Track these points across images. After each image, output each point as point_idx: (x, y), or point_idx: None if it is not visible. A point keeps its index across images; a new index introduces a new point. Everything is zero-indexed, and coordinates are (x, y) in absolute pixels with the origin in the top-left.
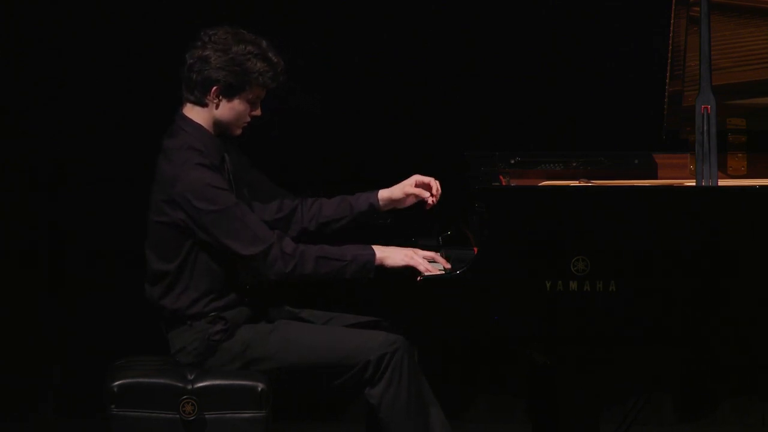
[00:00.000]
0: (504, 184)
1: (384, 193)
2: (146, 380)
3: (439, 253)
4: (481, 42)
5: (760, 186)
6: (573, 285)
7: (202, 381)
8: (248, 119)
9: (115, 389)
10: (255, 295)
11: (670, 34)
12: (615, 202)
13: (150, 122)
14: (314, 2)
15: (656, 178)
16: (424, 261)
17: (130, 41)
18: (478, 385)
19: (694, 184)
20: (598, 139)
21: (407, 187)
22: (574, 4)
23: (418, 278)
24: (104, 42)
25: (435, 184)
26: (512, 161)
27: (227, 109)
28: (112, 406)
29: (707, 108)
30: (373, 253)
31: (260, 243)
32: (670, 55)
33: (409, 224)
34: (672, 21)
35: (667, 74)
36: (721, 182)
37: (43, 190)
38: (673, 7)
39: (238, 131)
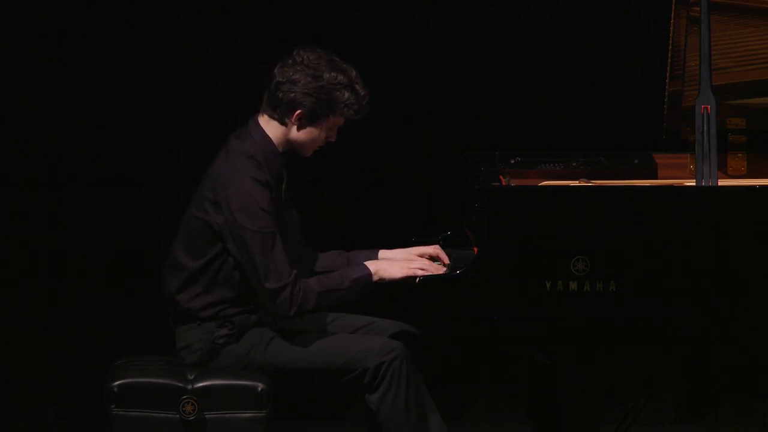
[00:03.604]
0: (504, 184)
1: (386, 254)
2: (146, 380)
3: (438, 246)
4: (482, 42)
5: (760, 186)
6: (573, 285)
7: (202, 381)
8: (322, 144)
9: (115, 389)
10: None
11: (670, 34)
12: (615, 202)
13: (150, 123)
14: (315, 1)
15: (656, 178)
16: (422, 267)
17: (130, 41)
18: (478, 385)
19: (694, 184)
20: (598, 139)
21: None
22: (574, 3)
23: (417, 279)
24: (104, 42)
25: (439, 255)
26: (512, 161)
27: (305, 133)
28: (112, 406)
29: (707, 108)
30: (369, 273)
31: (276, 280)
32: (670, 55)
33: (409, 224)
34: (672, 21)
35: (667, 74)
36: (721, 182)
37: (43, 190)
38: (673, 7)
39: (309, 153)
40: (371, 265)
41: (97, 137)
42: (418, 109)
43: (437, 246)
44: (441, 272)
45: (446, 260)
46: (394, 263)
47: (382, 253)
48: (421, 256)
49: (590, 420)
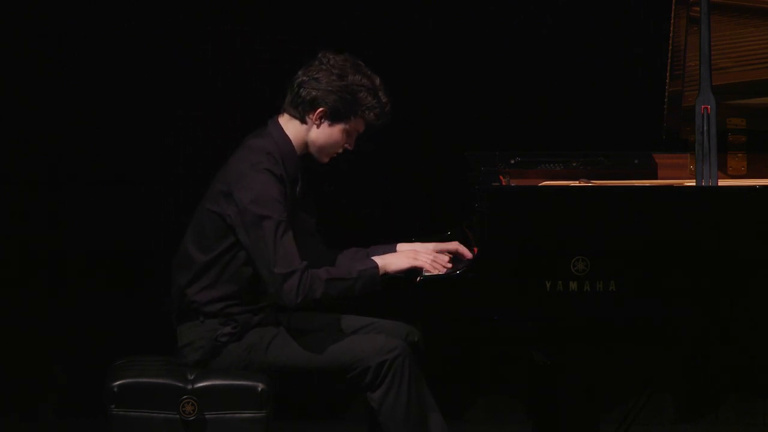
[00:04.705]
0: (504, 184)
1: (405, 248)
2: (146, 380)
3: (458, 242)
4: (482, 42)
5: (760, 186)
6: (573, 285)
7: (202, 381)
8: (340, 150)
9: (115, 389)
10: (271, 305)
11: (670, 34)
12: (615, 202)
13: (150, 123)
14: (315, 1)
15: (656, 178)
16: (428, 259)
17: (130, 41)
18: (478, 385)
19: (694, 184)
20: (598, 139)
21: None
22: (574, 3)
23: (418, 279)
24: (104, 42)
25: (461, 249)
26: (512, 161)
27: (325, 134)
28: (113, 406)
29: (707, 108)
30: (375, 265)
31: (285, 266)
32: (670, 55)
33: (409, 224)
34: (672, 21)
35: (667, 74)
36: (721, 182)
37: (43, 190)
38: (673, 7)
39: (326, 159)
40: (379, 260)
41: (97, 137)
42: (418, 109)
43: (457, 242)
44: (443, 271)
45: (468, 255)
46: (401, 254)
47: (401, 246)
48: (441, 252)
49: (590, 420)
